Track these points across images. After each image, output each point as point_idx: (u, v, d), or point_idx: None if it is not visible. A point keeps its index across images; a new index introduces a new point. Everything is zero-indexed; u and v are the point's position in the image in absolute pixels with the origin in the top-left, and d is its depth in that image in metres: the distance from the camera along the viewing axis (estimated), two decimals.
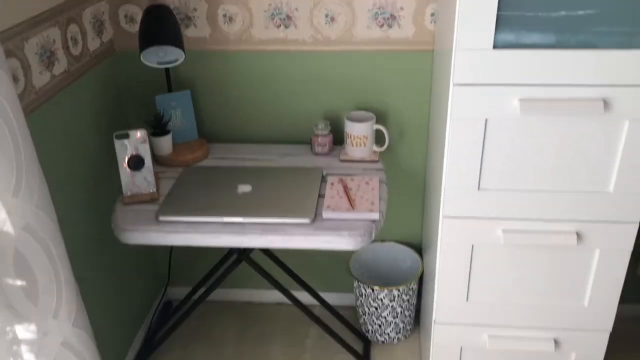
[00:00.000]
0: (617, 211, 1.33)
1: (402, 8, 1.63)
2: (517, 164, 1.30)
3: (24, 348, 1.10)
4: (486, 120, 1.26)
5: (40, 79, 1.36)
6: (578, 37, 1.17)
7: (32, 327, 1.09)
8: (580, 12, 1.15)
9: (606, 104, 1.21)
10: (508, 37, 1.18)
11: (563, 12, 1.15)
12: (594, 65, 1.18)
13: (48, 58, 1.39)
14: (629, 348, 1.95)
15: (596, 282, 1.42)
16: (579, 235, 1.36)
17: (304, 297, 1.92)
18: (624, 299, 1.93)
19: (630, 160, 1.27)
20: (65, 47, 1.47)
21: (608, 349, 1.52)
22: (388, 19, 1.65)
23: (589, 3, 1.14)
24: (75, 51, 1.52)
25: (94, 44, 1.63)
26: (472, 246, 1.41)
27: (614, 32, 1.16)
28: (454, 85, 1.22)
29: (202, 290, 1.81)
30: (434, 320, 1.53)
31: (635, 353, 1.93)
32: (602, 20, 1.15)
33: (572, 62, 1.18)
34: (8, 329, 1.06)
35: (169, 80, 1.72)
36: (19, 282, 1.05)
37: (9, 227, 1.01)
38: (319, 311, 1.95)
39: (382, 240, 2.02)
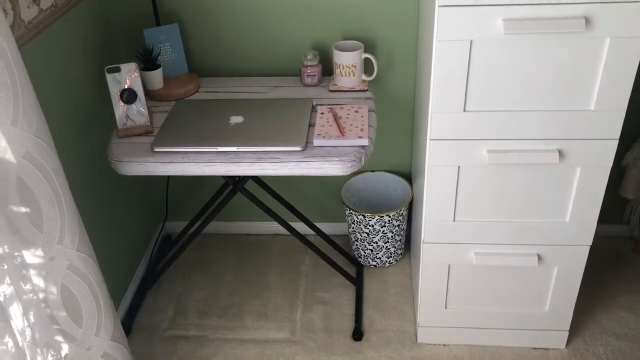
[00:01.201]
0: (598, 129, 1.37)
1: None
2: (501, 84, 1.33)
3: (32, 272, 1.16)
4: (471, 42, 1.28)
5: (29, 12, 1.36)
6: None
7: (39, 251, 1.14)
8: None
9: (587, 21, 1.23)
10: None
11: None
12: None
13: None
14: (607, 264, 2.04)
15: (577, 199, 1.48)
16: (561, 153, 1.41)
17: (299, 227, 1.98)
18: (605, 218, 2.01)
19: (610, 78, 1.30)
20: None
21: (587, 265, 1.60)
22: None
23: None
24: None
25: None
26: (459, 167, 1.46)
27: None
28: (439, 6, 1.24)
29: (198, 223, 1.87)
30: (423, 240, 1.60)
31: (613, 268, 2.03)
32: None
33: None
34: (16, 254, 1.12)
35: (157, 13, 1.72)
36: (23, 209, 1.10)
37: (10, 156, 1.04)
38: (314, 239, 2.02)
39: (373, 170, 2.07)
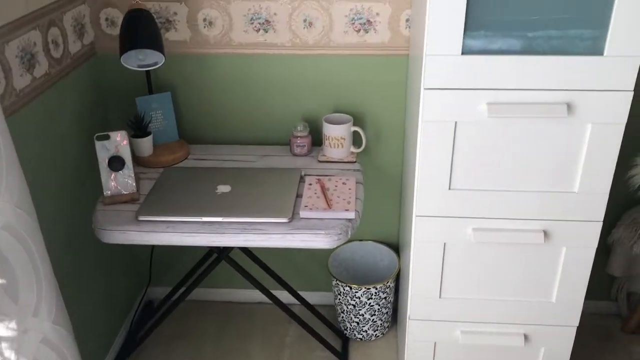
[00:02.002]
0: (582, 210, 1.38)
1: (377, 14, 1.67)
2: (485, 164, 1.35)
3: (4, 345, 1.12)
4: (456, 123, 1.30)
5: (21, 81, 1.38)
6: (542, 44, 1.22)
7: (13, 324, 1.11)
8: (545, 20, 1.20)
9: (570, 107, 1.26)
10: (476, 43, 1.23)
11: (527, 20, 1.20)
12: (558, 71, 1.23)
13: (29, 60, 1.41)
14: (595, 342, 2.01)
15: (563, 279, 1.47)
16: (546, 234, 1.41)
17: (284, 296, 1.95)
18: (592, 295, 1.99)
19: (593, 162, 1.32)
20: (46, 50, 1.49)
21: (575, 343, 1.57)
22: (364, 24, 1.69)
23: (553, 11, 1.19)
24: (56, 54, 1.54)
25: (75, 46, 1.65)
26: (445, 244, 1.46)
27: (577, 39, 1.21)
28: (424, 89, 1.27)
29: (182, 289, 1.84)
30: (409, 317, 1.57)
31: (601, 347, 1.99)
32: (565, 27, 1.20)
33: (536, 67, 1.23)
34: None
35: (150, 82, 1.75)
36: None
37: None
38: (298, 310, 1.99)
39: (361, 240, 2.06)
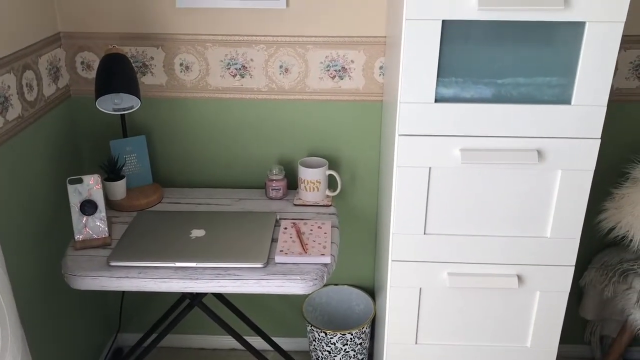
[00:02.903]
0: (555, 255, 1.40)
1: (352, 61, 1.71)
2: (460, 209, 1.37)
3: None
4: (430, 169, 1.32)
5: None
6: (511, 90, 1.26)
7: None
8: (513, 68, 1.24)
9: (540, 154, 1.30)
10: (448, 91, 1.26)
11: (496, 68, 1.24)
12: (529, 119, 1.27)
13: (2, 104, 1.40)
14: None
15: (538, 323, 1.48)
16: (520, 278, 1.43)
17: (258, 342, 1.92)
18: (566, 339, 2.01)
19: (563, 207, 1.35)
20: (20, 93, 1.48)
21: None
22: (339, 71, 1.73)
23: (521, 59, 1.23)
24: (30, 97, 1.53)
25: (49, 89, 1.64)
26: (420, 289, 1.46)
27: (545, 86, 1.25)
28: (399, 135, 1.29)
29: (153, 336, 1.79)
30: None
31: None
32: (533, 74, 1.25)
33: (507, 115, 1.27)
34: None
35: (124, 125, 1.74)
36: None
37: None
38: (272, 356, 1.95)
39: (336, 284, 2.05)
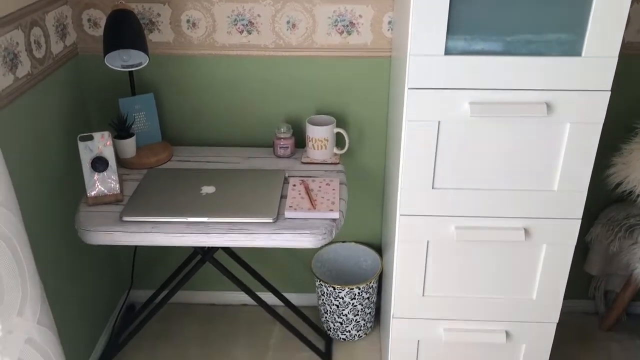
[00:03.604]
0: (561, 208, 1.41)
1: (360, 16, 1.70)
2: (468, 163, 1.38)
3: None
4: (439, 123, 1.33)
5: (4, 80, 1.37)
6: (523, 45, 1.25)
7: None
8: (522, 25, 1.23)
9: (549, 107, 1.30)
10: (458, 44, 1.25)
11: (506, 25, 1.23)
12: (538, 71, 1.26)
13: (11, 60, 1.40)
14: (573, 340, 2.05)
15: (544, 276, 1.50)
16: (526, 231, 1.44)
17: (268, 298, 1.96)
18: (570, 294, 2.04)
19: (572, 161, 1.35)
20: (29, 50, 1.48)
21: (555, 341, 1.60)
22: (347, 26, 1.71)
23: (530, 17, 1.22)
24: (39, 54, 1.53)
25: (57, 47, 1.64)
26: (428, 243, 1.48)
27: (554, 43, 1.24)
28: (408, 89, 1.29)
29: (165, 292, 1.83)
30: (392, 316, 1.59)
31: (580, 344, 2.03)
32: (543, 31, 1.24)
33: (518, 68, 1.26)
34: None
35: (133, 83, 1.74)
36: None
37: None
38: (282, 311, 1.99)
39: (344, 241, 2.08)
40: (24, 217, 1.17)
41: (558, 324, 1.57)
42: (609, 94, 1.28)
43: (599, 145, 1.34)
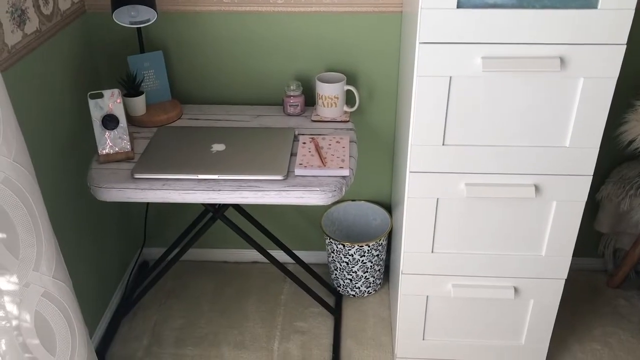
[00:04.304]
0: (573, 165, 1.41)
1: None
2: (479, 120, 1.37)
3: (6, 299, 1.13)
4: (450, 78, 1.31)
5: (13, 37, 1.36)
6: (536, 5, 1.22)
7: (14, 278, 1.13)
8: None
9: (562, 61, 1.28)
10: None
11: None
12: (553, 25, 1.24)
13: (19, 17, 1.39)
14: (581, 297, 2.07)
15: (553, 233, 1.51)
16: (537, 188, 1.44)
17: (279, 255, 1.98)
18: (580, 252, 2.04)
19: (584, 116, 1.34)
20: (37, 6, 1.47)
21: (563, 297, 1.62)
22: None
23: None
24: (46, 10, 1.52)
25: (65, 3, 1.62)
26: (437, 200, 1.48)
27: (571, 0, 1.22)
28: (419, 43, 1.27)
29: (177, 250, 1.85)
30: (402, 271, 1.60)
31: (587, 300, 2.05)
32: None
33: (531, 21, 1.24)
34: None
35: (141, 40, 1.73)
36: (0, 235, 1.08)
37: None
38: (293, 268, 2.02)
39: (353, 200, 2.09)
40: (37, 174, 1.18)
41: (566, 281, 1.59)
42: (624, 47, 1.25)
43: (612, 101, 1.32)
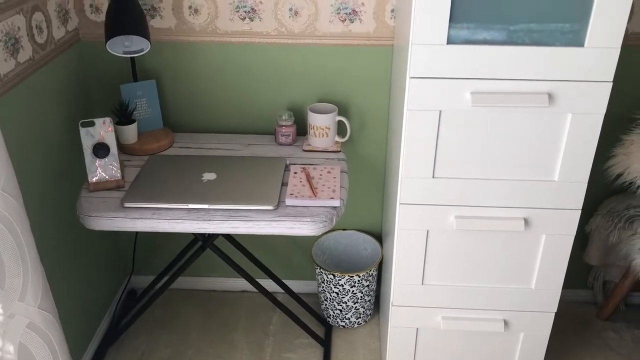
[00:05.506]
0: (562, 199, 1.42)
1: (363, 4, 1.69)
2: (469, 153, 1.38)
3: None
4: (440, 112, 1.33)
5: (5, 65, 1.37)
6: (524, 37, 1.25)
7: None
8: (526, 14, 1.22)
9: (551, 97, 1.29)
10: (460, 33, 1.25)
11: (509, 14, 1.22)
12: (541, 61, 1.26)
13: (13, 45, 1.40)
14: (571, 329, 2.06)
15: (543, 266, 1.51)
16: (526, 221, 1.45)
17: (268, 284, 1.96)
18: (569, 284, 2.04)
19: (572, 151, 1.35)
20: (30, 35, 1.48)
21: (553, 330, 1.61)
22: (350, 14, 1.71)
23: (534, 5, 1.22)
24: (40, 39, 1.53)
25: (59, 32, 1.64)
26: (427, 232, 1.48)
27: (557, 32, 1.24)
28: (410, 78, 1.29)
29: (166, 278, 1.84)
30: (392, 303, 1.60)
31: (577, 333, 2.05)
32: (546, 21, 1.23)
33: (519, 58, 1.26)
34: None
35: (135, 69, 1.74)
36: None
37: None
38: (282, 298, 2.01)
39: (344, 229, 2.08)
40: (26, 202, 1.17)
41: (556, 313, 1.58)
42: (610, 85, 1.27)
43: (600, 136, 1.34)
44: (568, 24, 1.23)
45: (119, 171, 1.55)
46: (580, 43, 1.25)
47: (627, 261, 1.85)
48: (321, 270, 1.95)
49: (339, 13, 1.71)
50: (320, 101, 1.85)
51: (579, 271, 2.09)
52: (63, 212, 1.69)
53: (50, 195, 1.62)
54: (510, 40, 1.25)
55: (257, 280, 1.80)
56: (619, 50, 1.23)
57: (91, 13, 1.74)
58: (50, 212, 1.62)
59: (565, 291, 1.55)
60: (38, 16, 1.51)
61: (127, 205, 1.46)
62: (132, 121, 1.72)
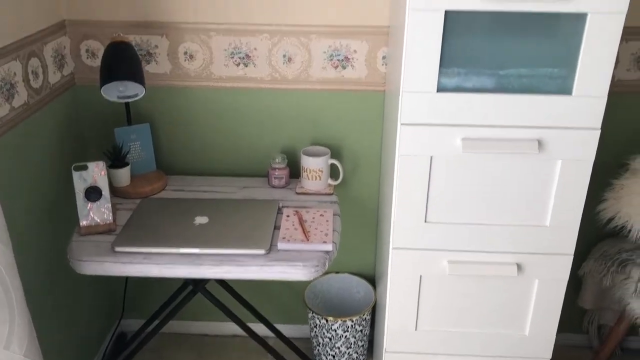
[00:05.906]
0: (554, 244, 1.42)
1: (355, 51, 1.72)
2: (460, 198, 1.39)
3: None
4: (431, 158, 1.34)
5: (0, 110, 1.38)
6: (513, 82, 1.27)
7: None
8: (515, 59, 1.25)
9: (540, 144, 1.31)
10: (450, 81, 1.27)
11: (499, 59, 1.25)
12: (530, 109, 1.28)
13: (8, 90, 1.41)
14: None
15: (536, 311, 1.50)
16: (519, 266, 1.44)
17: (260, 328, 1.94)
18: (564, 328, 2.02)
19: (563, 197, 1.36)
20: (26, 80, 1.49)
21: None
22: (342, 60, 1.74)
23: (522, 51, 1.24)
24: (36, 84, 1.55)
25: (54, 77, 1.65)
26: (420, 276, 1.48)
27: (546, 77, 1.27)
28: (401, 124, 1.31)
29: (156, 322, 1.81)
30: (385, 349, 1.58)
31: None
32: (535, 65, 1.26)
33: (509, 105, 1.28)
34: None
35: (129, 113, 1.75)
36: None
37: None
38: (274, 342, 1.97)
39: (337, 272, 2.07)
40: (15, 245, 1.16)
41: (551, 358, 1.56)
42: (599, 132, 1.29)
43: (590, 180, 1.35)
44: (557, 69, 1.26)
45: (110, 215, 1.55)
46: (568, 91, 1.27)
47: (621, 305, 1.84)
48: (314, 314, 1.92)
49: (331, 59, 1.74)
50: (313, 144, 1.86)
51: (574, 315, 2.07)
52: (54, 255, 1.67)
53: (42, 238, 1.61)
54: (501, 87, 1.28)
55: (249, 324, 1.77)
56: (606, 99, 1.26)
57: (87, 58, 1.76)
58: (40, 255, 1.61)
59: (560, 335, 1.54)
60: (34, 62, 1.53)
61: (117, 249, 1.45)
62: (126, 164, 1.72)
